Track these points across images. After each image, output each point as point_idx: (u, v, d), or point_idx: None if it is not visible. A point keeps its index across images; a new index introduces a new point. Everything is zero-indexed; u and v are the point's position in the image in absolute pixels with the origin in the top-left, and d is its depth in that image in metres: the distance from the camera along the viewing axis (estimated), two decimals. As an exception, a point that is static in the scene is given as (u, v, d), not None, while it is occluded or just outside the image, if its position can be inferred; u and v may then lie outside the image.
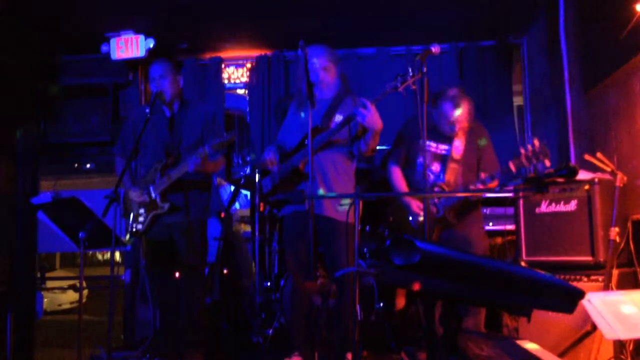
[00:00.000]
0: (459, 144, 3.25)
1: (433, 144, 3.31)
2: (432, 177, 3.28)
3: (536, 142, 2.89)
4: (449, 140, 3.27)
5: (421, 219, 3.19)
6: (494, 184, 3.07)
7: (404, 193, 3.38)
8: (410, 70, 2.86)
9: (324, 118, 3.17)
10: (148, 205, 3.39)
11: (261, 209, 4.24)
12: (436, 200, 3.18)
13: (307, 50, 3.16)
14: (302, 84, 3.08)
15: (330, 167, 3.14)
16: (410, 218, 3.29)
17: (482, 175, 3.08)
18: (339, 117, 3.14)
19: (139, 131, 3.36)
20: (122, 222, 3.42)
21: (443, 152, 3.29)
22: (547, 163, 2.90)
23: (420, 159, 3.26)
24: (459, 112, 3.18)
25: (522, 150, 2.94)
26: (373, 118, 2.96)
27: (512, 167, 2.97)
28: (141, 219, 3.41)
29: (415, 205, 3.27)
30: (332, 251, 3.16)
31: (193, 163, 3.24)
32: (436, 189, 3.21)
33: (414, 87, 2.89)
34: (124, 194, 3.43)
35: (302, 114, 3.23)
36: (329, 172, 3.14)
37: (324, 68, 3.19)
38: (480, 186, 3.05)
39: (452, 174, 3.23)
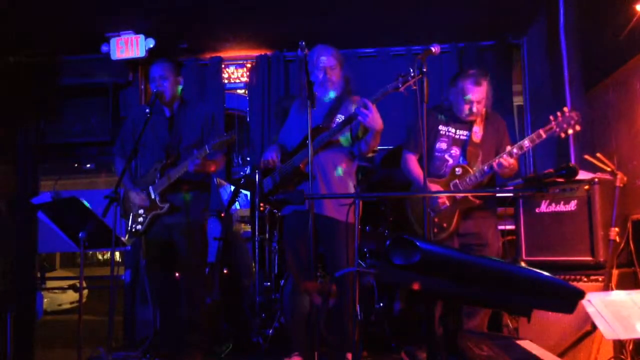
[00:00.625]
0: (478, 129, 3.24)
1: (452, 130, 3.29)
2: (451, 161, 3.27)
3: (566, 109, 2.94)
4: (468, 126, 3.26)
5: (444, 203, 3.17)
6: (515, 161, 3.09)
7: (403, 194, 3.38)
8: (411, 70, 2.87)
9: (326, 118, 3.17)
10: (148, 205, 3.40)
11: (261, 208, 4.24)
12: (457, 181, 3.17)
13: (315, 48, 3.19)
14: (304, 82, 3.09)
15: (330, 166, 3.15)
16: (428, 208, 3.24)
17: (509, 147, 3.08)
18: (340, 117, 3.15)
19: (138, 131, 3.37)
20: (122, 222, 3.43)
21: (462, 137, 3.28)
22: (578, 128, 2.93)
23: (439, 144, 3.29)
24: (478, 90, 3.16)
25: (552, 117, 2.96)
26: (374, 118, 2.96)
27: (542, 133, 2.98)
28: (140, 219, 3.41)
29: (436, 191, 3.22)
30: (332, 251, 3.16)
31: (193, 163, 3.24)
32: (457, 169, 3.19)
33: (415, 87, 2.89)
34: (124, 194, 3.44)
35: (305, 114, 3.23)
36: (330, 171, 3.14)
37: (330, 67, 3.20)
38: (507, 158, 3.04)
39: (472, 157, 3.21)
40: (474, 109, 3.20)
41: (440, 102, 3.40)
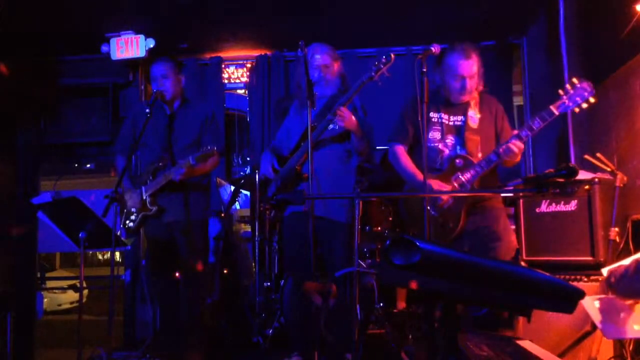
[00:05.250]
0: (473, 113, 2.96)
1: (445, 116, 3.00)
2: (447, 151, 2.99)
3: (575, 80, 2.71)
4: (462, 110, 2.98)
5: (447, 201, 2.89)
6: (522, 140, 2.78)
7: (403, 194, 3.36)
8: (383, 57, 2.87)
9: (318, 117, 3.16)
10: (139, 206, 3.41)
11: (262, 209, 4.24)
12: (460, 175, 2.88)
13: (310, 46, 3.18)
14: (302, 82, 3.09)
15: (326, 166, 3.14)
16: (428, 206, 2.93)
17: (517, 130, 2.80)
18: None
19: (138, 129, 3.37)
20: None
21: (457, 123, 3.00)
22: (592, 100, 2.70)
23: (431, 133, 2.99)
24: (468, 64, 2.88)
25: (561, 91, 2.72)
26: (349, 120, 2.98)
27: (554, 110, 2.72)
28: (132, 217, 3.43)
29: (436, 186, 2.88)
30: (329, 251, 3.16)
31: (178, 173, 3.24)
32: (457, 160, 2.91)
33: (388, 74, 2.88)
34: (122, 192, 3.44)
35: (302, 114, 3.23)
36: (325, 171, 3.13)
37: (325, 65, 3.20)
38: (516, 142, 2.74)
39: (472, 145, 2.94)
40: (467, 86, 2.91)
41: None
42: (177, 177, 3.24)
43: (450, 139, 2.99)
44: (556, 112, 2.73)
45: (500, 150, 2.79)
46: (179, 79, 3.52)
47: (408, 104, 3.14)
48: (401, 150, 3.08)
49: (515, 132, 2.82)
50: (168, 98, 3.45)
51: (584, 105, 2.72)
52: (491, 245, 2.91)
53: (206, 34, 4.85)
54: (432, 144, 3.00)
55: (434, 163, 2.98)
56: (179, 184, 3.34)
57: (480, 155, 2.96)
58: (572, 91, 2.72)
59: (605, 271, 2.31)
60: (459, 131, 2.98)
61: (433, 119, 3.01)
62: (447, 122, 3.01)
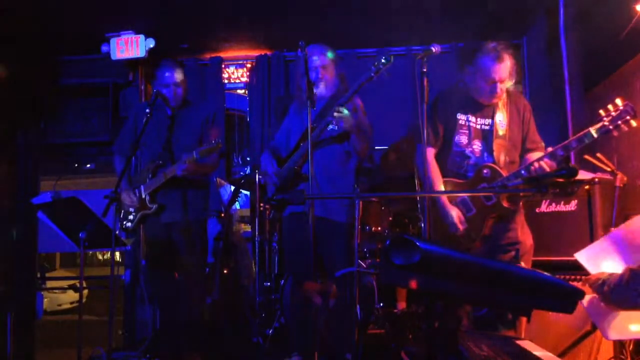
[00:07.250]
0: (501, 117, 2.86)
1: (472, 119, 2.90)
2: (473, 157, 2.91)
3: (619, 100, 2.54)
4: (490, 113, 2.89)
5: (460, 228, 2.83)
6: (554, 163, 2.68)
7: (403, 194, 3.36)
8: (383, 58, 2.87)
9: (318, 117, 3.15)
10: (137, 205, 3.40)
11: (261, 208, 4.23)
12: (486, 185, 2.81)
13: (308, 48, 3.16)
14: (302, 82, 3.09)
15: (324, 167, 3.13)
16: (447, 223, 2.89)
17: (551, 148, 2.70)
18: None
19: (139, 128, 3.37)
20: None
21: (485, 127, 2.90)
22: (634, 123, 2.52)
23: (458, 137, 2.91)
24: (501, 68, 2.77)
25: (603, 112, 2.57)
26: (347, 120, 2.96)
27: (593, 132, 2.57)
28: (130, 217, 3.42)
29: (456, 215, 2.83)
30: (328, 252, 3.15)
31: (180, 168, 3.24)
32: (485, 170, 2.82)
33: (387, 74, 2.86)
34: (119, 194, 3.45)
35: (302, 115, 3.23)
36: (324, 172, 3.12)
37: (323, 66, 3.19)
38: (547, 161, 2.66)
39: (499, 151, 2.85)
40: (497, 90, 2.80)
41: (453, 85, 3.03)
42: (179, 172, 3.24)
43: (477, 145, 2.92)
44: (595, 135, 2.59)
45: (533, 167, 2.69)
46: (186, 81, 3.54)
47: (436, 104, 3.00)
48: (429, 153, 2.95)
49: (549, 149, 2.73)
50: (176, 103, 3.46)
51: (625, 128, 2.56)
52: (509, 248, 2.87)
53: (206, 34, 4.85)
54: (458, 148, 2.94)
55: (459, 168, 2.93)
56: (179, 182, 3.34)
57: (506, 159, 2.88)
58: (614, 113, 2.56)
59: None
60: (487, 136, 2.91)
61: (460, 121, 2.93)
62: (474, 125, 2.93)
